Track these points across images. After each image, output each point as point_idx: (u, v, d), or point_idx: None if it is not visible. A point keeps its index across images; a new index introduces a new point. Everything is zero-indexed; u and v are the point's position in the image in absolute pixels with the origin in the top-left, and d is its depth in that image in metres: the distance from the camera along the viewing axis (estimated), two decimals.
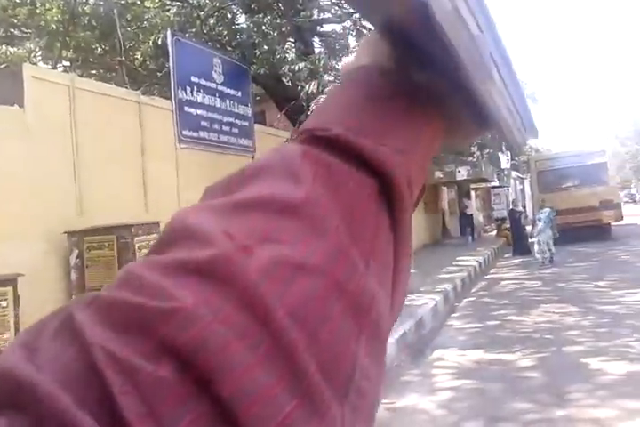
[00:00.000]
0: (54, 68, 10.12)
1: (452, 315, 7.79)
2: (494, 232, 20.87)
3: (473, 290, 9.90)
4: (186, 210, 0.32)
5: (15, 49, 10.40)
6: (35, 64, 9.50)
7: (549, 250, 12.13)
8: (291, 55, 9.53)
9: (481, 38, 0.32)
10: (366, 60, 0.43)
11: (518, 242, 15.21)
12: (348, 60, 0.46)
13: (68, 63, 11.52)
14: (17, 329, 3.74)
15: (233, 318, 0.26)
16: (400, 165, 0.36)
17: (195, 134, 7.48)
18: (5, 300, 3.66)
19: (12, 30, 11.26)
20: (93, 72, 11.37)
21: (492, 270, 12.61)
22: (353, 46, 11.66)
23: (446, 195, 21.26)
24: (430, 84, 0.40)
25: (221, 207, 0.32)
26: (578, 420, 3.87)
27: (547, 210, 12.86)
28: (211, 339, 0.25)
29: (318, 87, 8.72)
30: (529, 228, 14.18)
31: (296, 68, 8.89)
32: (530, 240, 14.85)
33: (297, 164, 0.34)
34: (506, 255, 15.38)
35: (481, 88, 0.34)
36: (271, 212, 0.31)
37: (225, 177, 0.35)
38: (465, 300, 8.93)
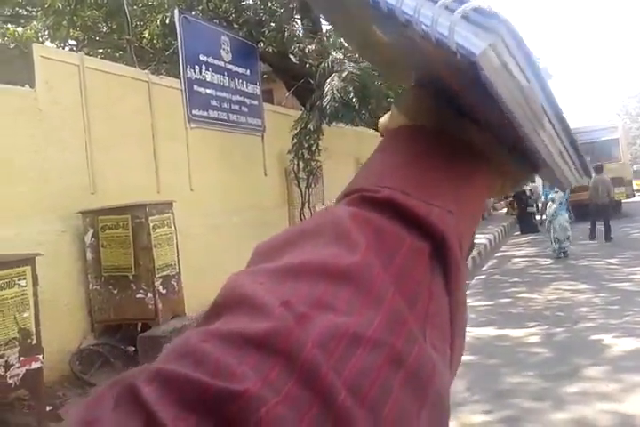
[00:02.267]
0: (62, 47, 10.06)
1: None
2: (504, 210, 20.78)
3: (484, 268, 9.91)
4: (240, 275, 0.32)
5: (22, 29, 10.33)
6: (42, 44, 9.43)
7: (567, 238, 10.32)
8: (299, 33, 9.41)
9: (530, 89, 0.32)
10: (406, 119, 0.43)
11: (525, 221, 15.18)
12: (385, 119, 0.45)
13: (74, 42, 11.44)
14: (36, 307, 3.78)
15: (296, 396, 0.26)
16: (451, 225, 0.36)
17: (204, 113, 7.45)
18: (24, 279, 3.70)
19: (19, 10, 11.17)
20: (100, 51, 11.28)
21: (503, 248, 12.60)
22: None
23: None
24: (477, 139, 0.40)
25: (275, 272, 0.31)
26: (586, 394, 3.90)
27: None
28: (277, 421, 0.25)
29: (328, 65, 8.63)
30: (539, 205, 13.68)
31: (305, 46, 8.78)
32: (537, 218, 14.78)
33: (348, 227, 0.33)
34: (516, 233, 15.36)
35: (532, 137, 0.35)
36: (325, 278, 0.31)
37: (276, 236, 0.36)
38: (476, 277, 8.95)
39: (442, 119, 0.41)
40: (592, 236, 12.13)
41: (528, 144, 0.35)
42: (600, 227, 11.94)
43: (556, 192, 10.62)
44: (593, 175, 12.43)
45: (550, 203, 10.83)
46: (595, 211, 11.99)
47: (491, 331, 5.73)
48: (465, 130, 0.40)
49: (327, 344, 0.27)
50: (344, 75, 8.10)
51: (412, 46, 0.34)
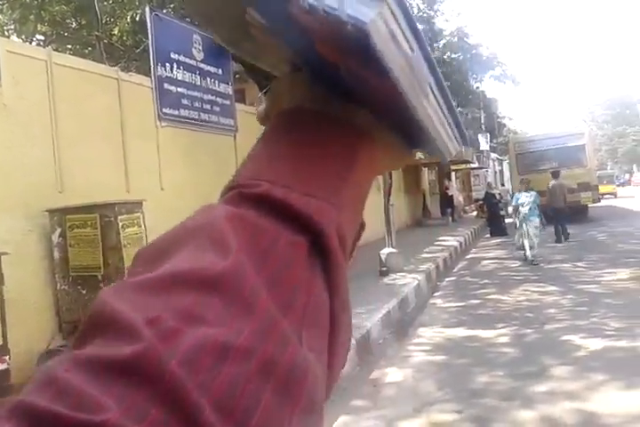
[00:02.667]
0: (29, 42, 9.84)
1: (435, 294, 7.88)
2: (474, 213, 21.06)
3: (454, 270, 10.01)
4: (110, 291, 0.31)
5: None
6: (8, 38, 9.22)
7: (533, 246, 9.92)
8: None
9: (415, 59, 0.32)
10: (284, 104, 0.42)
11: (494, 224, 15.42)
12: (262, 109, 0.45)
13: (42, 38, 11.22)
14: (2, 307, 3.68)
15: (159, 421, 0.25)
16: (329, 216, 0.35)
17: (175, 112, 7.35)
18: None
19: None
20: (69, 47, 11.09)
21: (473, 250, 12.76)
22: None
23: (427, 176, 21.39)
24: (358, 117, 0.40)
25: (144, 285, 0.30)
26: (554, 393, 3.96)
27: (532, 193, 10.29)
28: None
29: None
30: (509, 208, 13.75)
31: None
32: (506, 221, 15.00)
33: (222, 229, 0.33)
34: (486, 236, 15.58)
35: (418, 107, 0.34)
36: (196, 287, 0.30)
37: (158, 239, 0.35)
38: (447, 279, 9.04)
39: (319, 102, 0.40)
40: (558, 239, 12.42)
41: (412, 115, 0.35)
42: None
43: (527, 196, 10.12)
44: (551, 181, 12.95)
45: (520, 207, 10.20)
46: (553, 214, 12.34)
47: (461, 331, 5.78)
48: (345, 109, 0.40)
49: (194, 360, 0.27)
50: None
51: (291, 26, 0.34)
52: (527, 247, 9.88)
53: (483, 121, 25.80)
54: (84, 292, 4.97)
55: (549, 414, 3.63)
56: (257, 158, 0.41)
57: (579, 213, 16.17)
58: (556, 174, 13.18)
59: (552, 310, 6.40)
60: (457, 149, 0.43)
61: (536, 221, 10.07)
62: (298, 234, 0.34)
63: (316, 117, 0.40)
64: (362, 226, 0.43)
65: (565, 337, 5.30)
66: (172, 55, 7.43)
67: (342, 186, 0.38)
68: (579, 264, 9.43)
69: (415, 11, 13.80)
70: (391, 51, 0.30)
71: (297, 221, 0.34)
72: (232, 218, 0.33)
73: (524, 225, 10.06)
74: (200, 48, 8.15)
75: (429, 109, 0.35)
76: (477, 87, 20.26)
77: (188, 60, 7.75)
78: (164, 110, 7.10)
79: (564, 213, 12.70)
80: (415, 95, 0.33)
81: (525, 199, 10.16)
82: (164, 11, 8.77)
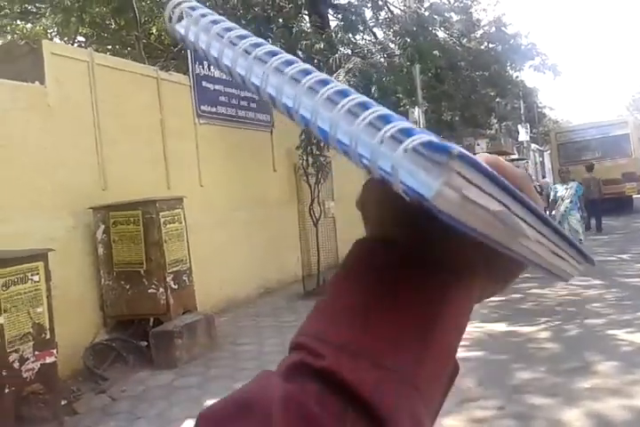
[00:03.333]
0: (70, 44, 10.09)
1: None
2: None
3: None
4: None
5: (31, 25, 10.37)
6: (51, 40, 9.47)
7: (579, 240, 8.79)
8: (308, 29, 9.40)
9: (503, 212, 0.29)
10: (370, 218, 0.39)
11: None
12: (358, 196, 0.40)
13: (83, 39, 11.48)
14: (49, 302, 3.81)
15: None
16: (402, 399, 0.33)
17: (213, 109, 7.45)
18: (37, 274, 3.72)
19: (28, 6, 11.21)
20: (109, 47, 11.33)
21: None
22: (369, 18, 11.47)
23: None
24: (452, 254, 0.36)
25: None
26: (598, 389, 3.88)
27: (573, 184, 9.51)
28: None
29: (335, 61, 8.61)
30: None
31: (314, 42, 8.77)
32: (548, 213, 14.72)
33: (275, 417, 0.31)
34: None
35: (516, 249, 0.31)
36: None
37: (216, 405, 0.34)
38: None
39: (409, 229, 0.36)
40: (587, 227, 12.39)
41: (512, 254, 0.32)
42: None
43: (567, 189, 9.35)
44: (585, 174, 12.90)
45: (560, 201, 9.39)
46: (588, 206, 12.28)
47: (501, 326, 5.71)
48: (438, 244, 0.36)
49: None
50: (347, 70, 8.10)
51: None
52: None
53: (522, 111, 25.29)
54: (128, 287, 5.10)
55: (594, 411, 3.56)
56: (327, 308, 0.37)
57: (623, 205, 15.73)
58: (589, 168, 13.31)
59: (595, 305, 6.26)
60: (578, 268, 0.39)
61: (577, 215, 9.30)
62: (361, 421, 0.32)
63: (405, 255, 0.36)
64: (455, 369, 0.40)
65: (609, 332, 5.18)
66: None
67: (427, 344, 0.35)
68: (623, 257, 9.19)
69: (451, 0, 13.59)
70: (470, 213, 0.27)
71: (362, 405, 0.32)
72: (288, 404, 0.32)
73: (564, 221, 9.10)
74: None
75: (532, 247, 0.32)
76: (517, 77, 19.85)
77: None
78: (202, 108, 7.20)
79: (598, 206, 12.74)
80: (512, 240, 0.30)
81: (564, 192, 9.34)
82: None
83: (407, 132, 0.27)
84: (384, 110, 0.29)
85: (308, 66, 0.33)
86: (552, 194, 9.72)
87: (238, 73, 0.35)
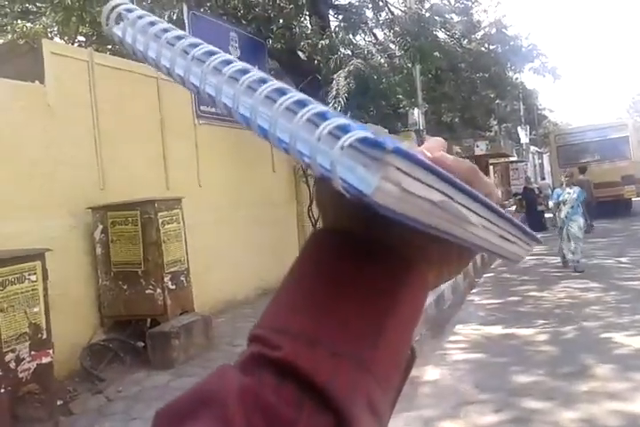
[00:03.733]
0: (71, 43, 10.08)
1: (472, 291, 7.79)
2: (513, 208, 20.69)
3: (492, 266, 9.88)
4: None
5: (31, 24, 10.36)
6: (51, 39, 9.46)
7: (579, 251, 8.75)
8: (308, 30, 9.40)
9: (446, 202, 0.29)
10: (328, 214, 0.40)
11: (533, 219, 15.16)
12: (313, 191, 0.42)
13: (83, 39, 11.47)
14: (46, 302, 3.80)
15: None
16: (359, 387, 0.33)
17: (213, 110, 7.43)
18: (34, 274, 3.71)
19: (28, 5, 11.20)
20: (109, 47, 11.30)
21: None
22: (370, 18, 11.47)
23: None
24: (405, 243, 0.37)
25: None
26: (596, 393, 3.88)
27: (575, 189, 8.99)
28: None
29: (336, 62, 8.61)
30: (550, 203, 13.42)
31: (315, 42, 8.77)
32: (546, 216, 14.73)
33: (232, 412, 0.31)
34: None
35: (463, 235, 0.32)
36: None
37: (173, 402, 0.34)
38: (484, 276, 8.92)
39: (365, 222, 0.37)
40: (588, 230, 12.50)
41: (460, 242, 0.33)
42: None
43: (569, 193, 8.88)
44: (579, 176, 12.94)
45: (562, 205, 8.96)
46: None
47: (499, 329, 5.71)
48: (392, 234, 0.36)
49: None
50: (347, 72, 8.10)
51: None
52: (566, 251, 8.85)
53: (522, 113, 25.28)
54: (125, 287, 5.09)
55: (592, 415, 3.56)
56: (285, 296, 0.38)
57: (622, 207, 15.74)
58: (582, 170, 13.39)
59: (594, 308, 6.26)
60: (528, 251, 0.41)
61: (580, 221, 8.88)
62: (320, 412, 0.32)
63: (358, 244, 0.37)
64: (412, 355, 0.41)
65: (607, 335, 5.18)
66: None
67: (382, 330, 0.35)
68: (622, 260, 9.19)
69: (452, 2, 13.58)
70: (412, 204, 0.28)
71: (320, 396, 0.32)
72: (245, 395, 0.32)
73: (565, 227, 8.88)
74: (237, 45, 8.22)
75: (479, 232, 0.33)
76: (516, 78, 19.86)
77: None
78: (201, 108, 7.19)
79: (590, 208, 12.86)
80: (457, 228, 0.31)
81: (567, 196, 8.88)
82: (201, 9, 8.86)
83: (344, 129, 0.27)
84: (321, 107, 0.29)
85: (246, 65, 0.33)
86: (554, 197, 9.39)
87: (177, 73, 0.35)
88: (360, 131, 0.27)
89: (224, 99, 0.32)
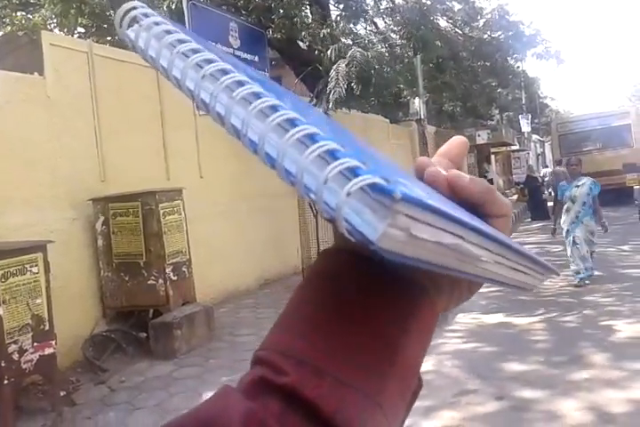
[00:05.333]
0: (70, 35, 10.05)
1: None
2: (515, 197, 20.66)
3: None
4: None
5: (30, 16, 10.32)
6: (50, 31, 9.43)
7: (591, 256, 7.03)
8: (309, 19, 9.34)
9: (457, 244, 0.28)
10: (339, 239, 0.38)
11: (536, 207, 15.12)
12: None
13: (83, 30, 11.42)
14: (48, 294, 3.82)
15: None
16: (365, 420, 0.32)
17: None
18: (36, 266, 3.73)
19: None
20: (109, 39, 11.25)
21: (514, 235, 12.55)
22: (371, 7, 11.39)
23: (466, 159, 21.08)
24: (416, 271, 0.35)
25: None
26: (596, 381, 3.90)
27: (585, 181, 6.90)
28: None
29: (336, 51, 8.57)
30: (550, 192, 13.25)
31: (316, 32, 8.72)
32: (549, 204, 14.69)
33: None
34: (527, 220, 15.29)
35: (476, 272, 0.32)
36: None
37: (175, 424, 0.33)
38: None
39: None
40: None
41: (470, 277, 0.33)
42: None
43: (578, 186, 6.85)
44: (556, 167, 13.01)
45: (570, 203, 6.93)
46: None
47: (499, 317, 5.73)
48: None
49: None
50: (348, 60, 8.06)
51: None
52: (573, 259, 6.96)
53: (524, 101, 25.16)
54: (127, 278, 5.11)
55: (592, 403, 3.58)
56: (288, 320, 0.37)
57: (624, 196, 15.69)
58: (560, 162, 13.42)
59: (595, 295, 6.28)
60: (540, 278, 0.39)
61: (592, 225, 6.95)
62: None
63: (370, 268, 0.35)
64: (419, 385, 0.39)
65: (607, 323, 5.20)
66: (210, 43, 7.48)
67: (392, 361, 0.34)
68: (623, 248, 9.19)
69: None
70: (422, 248, 0.27)
71: (326, 426, 0.31)
72: (249, 421, 0.31)
73: (575, 230, 6.91)
74: (237, 35, 8.18)
75: (492, 268, 0.32)
76: (518, 67, 19.74)
77: (224, 48, 7.79)
78: None
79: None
80: (469, 266, 0.30)
81: (577, 191, 6.86)
82: None
83: (354, 172, 0.27)
84: (332, 144, 0.28)
85: (259, 88, 0.32)
86: (559, 193, 7.38)
87: (187, 86, 0.34)
88: (369, 176, 0.26)
89: (234, 120, 0.32)
